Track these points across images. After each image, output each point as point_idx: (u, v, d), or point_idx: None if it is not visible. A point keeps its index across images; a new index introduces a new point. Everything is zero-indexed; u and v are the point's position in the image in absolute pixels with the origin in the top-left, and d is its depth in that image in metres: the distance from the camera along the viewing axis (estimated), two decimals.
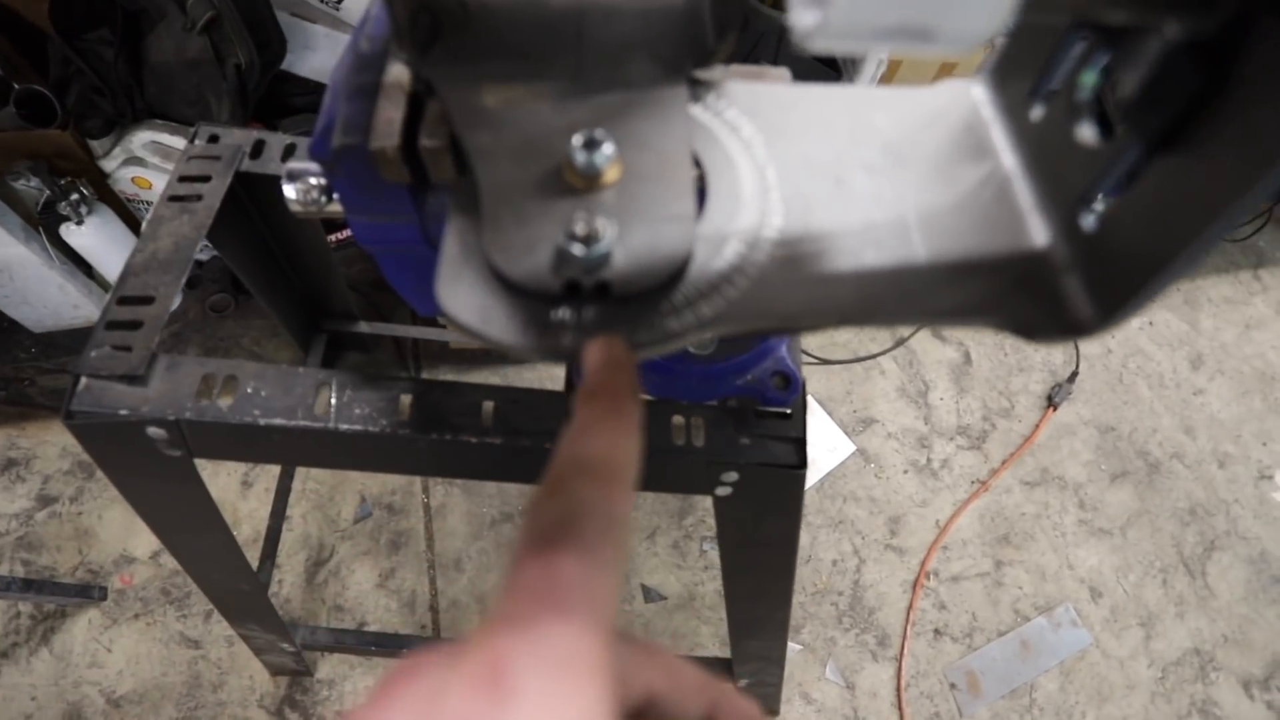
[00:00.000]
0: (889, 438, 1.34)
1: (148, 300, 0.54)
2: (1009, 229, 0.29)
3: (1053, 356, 1.45)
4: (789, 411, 0.57)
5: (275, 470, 1.13)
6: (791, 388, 0.57)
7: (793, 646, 1.14)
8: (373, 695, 0.17)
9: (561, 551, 0.18)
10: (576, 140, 0.29)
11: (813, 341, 1.42)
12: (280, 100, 1.10)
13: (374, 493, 1.21)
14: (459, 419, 0.54)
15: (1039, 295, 0.27)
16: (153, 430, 0.51)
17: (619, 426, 0.22)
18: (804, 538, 1.22)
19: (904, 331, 1.46)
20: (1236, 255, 1.65)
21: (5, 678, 1.04)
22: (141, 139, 1.00)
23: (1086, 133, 0.27)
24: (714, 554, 1.20)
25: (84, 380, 0.50)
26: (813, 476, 1.29)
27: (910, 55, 0.22)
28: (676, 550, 1.21)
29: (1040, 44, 0.30)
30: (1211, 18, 0.21)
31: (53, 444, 1.20)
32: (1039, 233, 0.28)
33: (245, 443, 0.53)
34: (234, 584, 0.79)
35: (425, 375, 1.32)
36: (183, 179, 0.60)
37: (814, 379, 1.39)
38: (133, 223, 1.10)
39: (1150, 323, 1.52)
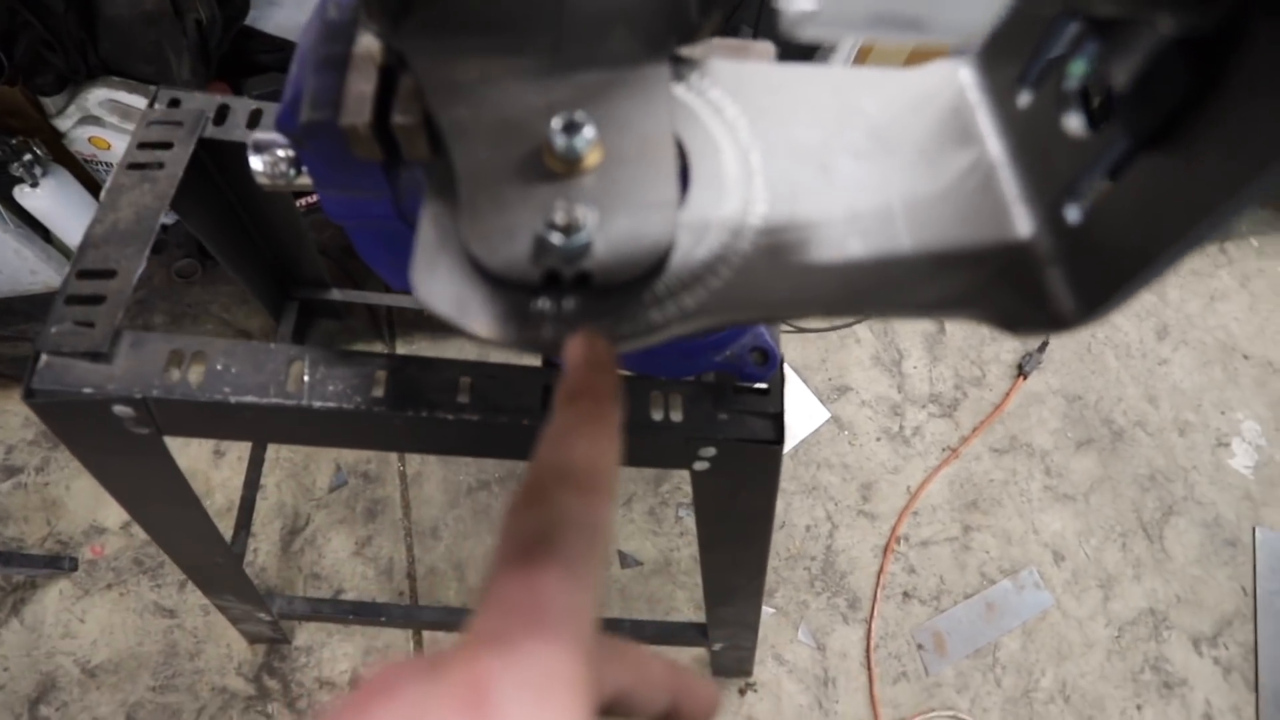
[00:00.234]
0: (863, 405, 1.36)
1: (109, 274, 0.52)
2: (993, 219, 0.29)
3: None
4: (767, 387, 0.57)
5: None
6: (770, 363, 0.57)
7: (766, 610, 1.16)
8: (347, 710, 0.17)
9: (543, 566, 0.18)
10: (556, 123, 0.28)
11: None
12: (245, 58, 1.05)
13: (349, 461, 1.20)
14: (435, 395, 0.53)
15: (1022, 287, 0.27)
16: (119, 409, 0.50)
17: (600, 431, 0.22)
18: (778, 504, 1.24)
19: None
20: None
21: None
22: (97, 97, 0.95)
23: (1074, 123, 0.27)
24: (689, 520, 1.22)
25: (45, 358, 0.49)
26: (787, 444, 1.30)
27: (900, 43, 0.22)
28: (653, 517, 1.22)
29: (1030, 28, 0.29)
30: (1207, 15, 0.21)
31: (14, 413, 1.17)
32: (1023, 223, 0.28)
33: (216, 420, 0.52)
34: (208, 557, 0.79)
35: (400, 342, 1.30)
36: (142, 145, 0.58)
37: (790, 347, 1.39)
38: (91, 185, 1.06)
39: None
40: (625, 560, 1.18)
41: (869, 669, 1.14)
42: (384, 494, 1.19)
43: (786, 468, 1.28)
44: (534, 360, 0.71)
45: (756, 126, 0.31)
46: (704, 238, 0.28)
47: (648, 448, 0.56)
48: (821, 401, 1.36)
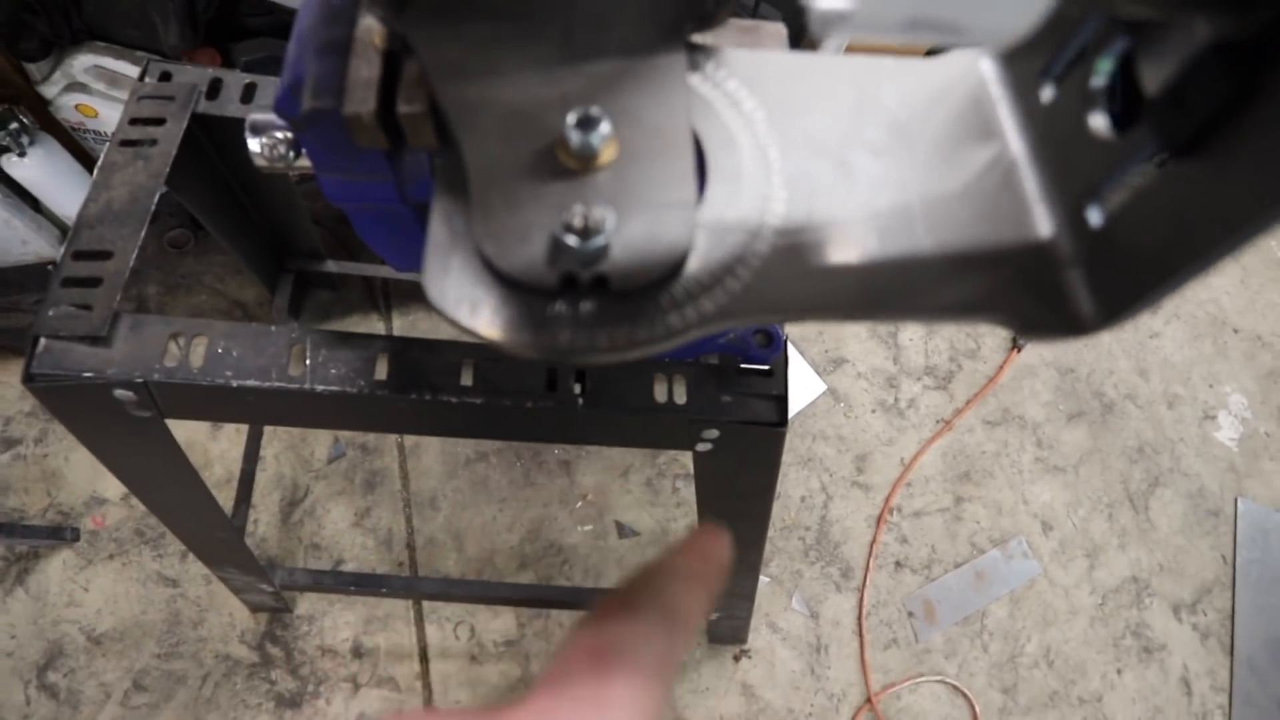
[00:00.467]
0: (859, 377, 1.37)
1: (105, 255, 0.51)
2: (1013, 218, 0.28)
3: None
4: (770, 369, 0.57)
5: None
6: (774, 345, 0.57)
7: (761, 579, 1.18)
8: None
9: (618, 671, 0.19)
10: (571, 119, 0.27)
11: None
12: (233, 21, 1.02)
13: (347, 433, 1.21)
14: (438, 378, 0.53)
15: (1041, 290, 0.27)
16: (120, 392, 0.49)
17: (703, 587, 0.25)
18: None
19: None
20: None
21: None
22: (83, 63, 0.93)
23: (1099, 123, 0.26)
24: (686, 491, 1.23)
25: (43, 341, 0.48)
26: None
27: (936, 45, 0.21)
28: (650, 488, 1.23)
29: (1056, 20, 0.29)
30: (1248, 19, 0.20)
31: (11, 385, 1.17)
32: (1043, 223, 0.28)
33: (218, 404, 0.52)
34: (210, 532, 0.79)
35: (396, 313, 1.30)
36: (134, 121, 0.56)
37: None
38: (80, 153, 1.04)
39: None
40: (623, 531, 1.20)
41: (860, 636, 1.17)
42: (382, 465, 1.19)
43: None
44: None
45: (774, 120, 0.31)
46: (722, 239, 0.27)
47: (650, 430, 0.56)
48: (818, 373, 1.36)
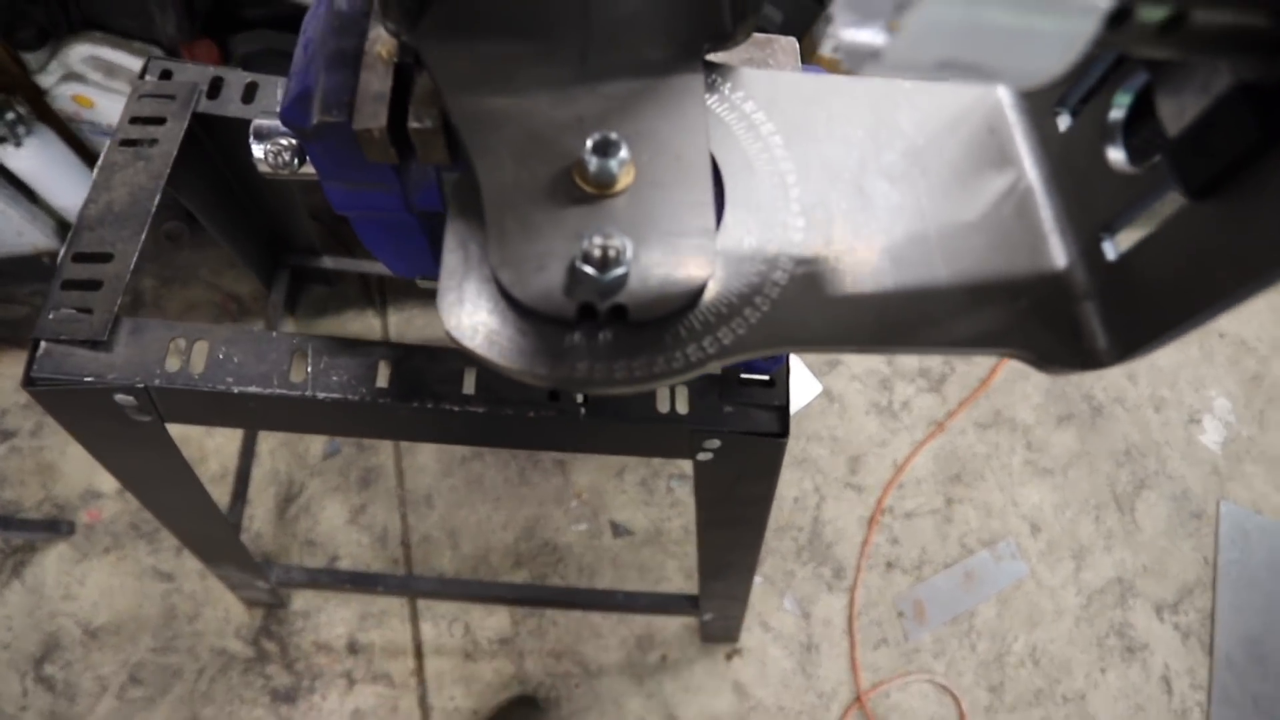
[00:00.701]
0: (853, 379, 1.37)
1: (106, 257, 0.50)
2: (1029, 248, 0.29)
3: None
4: (772, 380, 0.57)
5: None
6: (776, 356, 0.57)
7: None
8: None
9: None
10: (589, 144, 0.27)
11: None
12: (231, 12, 1.01)
13: None
14: (440, 387, 0.53)
15: (1056, 323, 0.27)
16: (121, 397, 0.49)
17: None
18: None
19: None
20: None
21: None
22: (80, 53, 0.91)
23: (1116, 156, 0.26)
24: (680, 491, 1.23)
25: (44, 345, 0.48)
26: None
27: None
28: (644, 487, 1.23)
29: None
30: (1277, 63, 0.19)
31: (6, 377, 1.15)
32: (1059, 254, 0.28)
33: (218, 409, 0.52)
34: (206, 531, 0.79)
35: (391, 309, 1.29)
36: (135, 120, 0.56)
37: None
38: (76, 144, 1.02)
39: None
40: (617, 530, 1.20)
41: (851, 635, 1.18)
42: (378, 462, 1.19)
43: None
44: None
45: (791, 144, 0.31)
46: (740, 268, 0.27)
47: (652, 439, 0.56)
48: (814, 375, 1.37)
